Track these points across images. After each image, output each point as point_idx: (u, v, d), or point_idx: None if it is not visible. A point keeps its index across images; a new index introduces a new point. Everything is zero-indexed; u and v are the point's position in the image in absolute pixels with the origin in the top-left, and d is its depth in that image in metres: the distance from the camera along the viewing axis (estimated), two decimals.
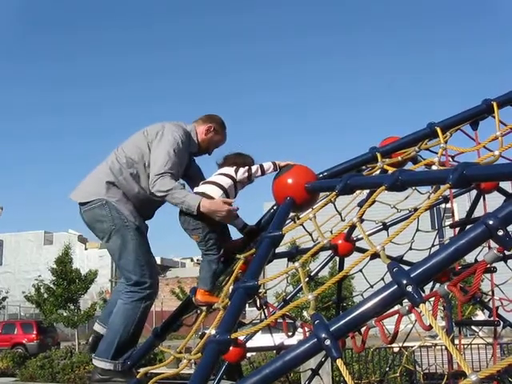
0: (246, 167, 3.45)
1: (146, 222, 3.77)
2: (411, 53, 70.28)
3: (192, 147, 3.71)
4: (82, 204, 3.56)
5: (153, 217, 3.79)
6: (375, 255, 2.31)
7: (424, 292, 2.57)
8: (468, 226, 4.35)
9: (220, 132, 3.82)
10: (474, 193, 4.77)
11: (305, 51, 79.42)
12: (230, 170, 3.47)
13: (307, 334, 3.70)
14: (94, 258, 48.87)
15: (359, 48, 75.16)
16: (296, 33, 78.39)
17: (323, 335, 1.76)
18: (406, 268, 1.85)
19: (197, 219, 3.33)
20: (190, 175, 3.87)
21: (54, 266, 22.22)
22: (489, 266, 2.13)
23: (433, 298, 2.24)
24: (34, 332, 25.82)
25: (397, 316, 2.53)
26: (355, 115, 77.45)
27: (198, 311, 3.54)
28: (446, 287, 2.27)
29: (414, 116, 67.40)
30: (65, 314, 22.10)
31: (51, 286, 22.13)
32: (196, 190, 3.46)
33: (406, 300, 1.89)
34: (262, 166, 3.41)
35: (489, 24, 70.57)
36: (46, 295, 22.30)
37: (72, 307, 22.18)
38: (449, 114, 3.54)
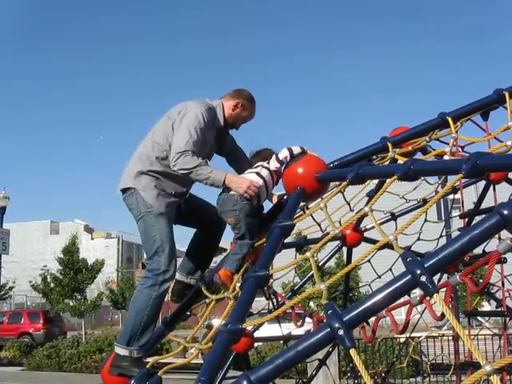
0: (273, 156, 3.46)
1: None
2: (407, 45, 70.07)
3: (217, 123, 3.69)
4: (122, 193, 3.66)
5: (187, 194, 3.76)
6: (384, 245, 2.30)
7: None
8: (476, 217, 4.34)
9: (248, 108, 3.78)
10: (480, 184, 4.75)
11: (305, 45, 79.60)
12: (263, 163, 3.50)
13: (316, 324, 3.71)
14: (100, 248, 49.13)
15: (358, 40, 75.19)
16: (296, 26, 78.60)
17: (337, 325, 1.75)
18: None
19: (236, 202, 3.32)
20: (228, 151, 3.89)
21: (61, 256, 22.27)
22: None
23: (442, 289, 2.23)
24: (41, 321, 25.84)
25: (403, 307, 2.53)
26: (354, 109, 77.65)
27: (207, 301, 3.54)
28: (458, 277, 2.27)
29: (410, 111, 67.37)
30: (71, 304, 22.17)
31: (58, 275, 22.20)
32: None
33: (413, 291, 1.88)
34: (290, 149, 3.39)
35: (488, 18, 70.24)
36: (52, 285, 22.38)
37: (78, 297, 22.25)
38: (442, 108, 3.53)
